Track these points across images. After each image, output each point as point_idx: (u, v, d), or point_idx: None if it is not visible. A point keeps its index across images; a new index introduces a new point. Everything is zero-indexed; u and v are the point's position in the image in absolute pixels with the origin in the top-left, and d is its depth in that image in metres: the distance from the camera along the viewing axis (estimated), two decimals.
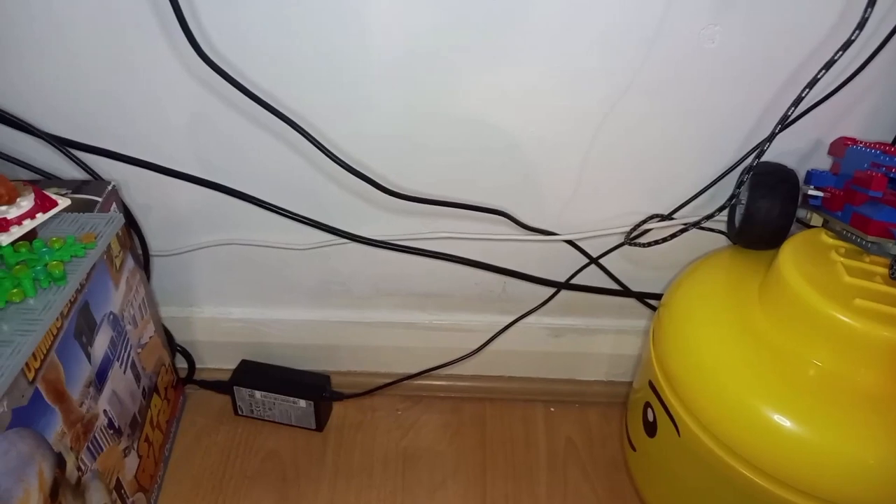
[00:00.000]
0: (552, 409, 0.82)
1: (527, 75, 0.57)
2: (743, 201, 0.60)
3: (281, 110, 0.57)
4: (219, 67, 0.54)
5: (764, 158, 0.59)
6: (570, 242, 0.70)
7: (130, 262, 0.63)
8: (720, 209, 0.62)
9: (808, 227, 0.59)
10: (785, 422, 0.49)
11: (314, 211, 0.67)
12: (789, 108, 0.55)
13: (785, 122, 0.56)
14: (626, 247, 0.69)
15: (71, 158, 0.62)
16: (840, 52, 0.52)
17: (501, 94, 0.58)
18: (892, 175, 0.51)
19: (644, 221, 0.66)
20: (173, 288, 0.77)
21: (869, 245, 0.51)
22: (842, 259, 0.53)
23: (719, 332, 0.56)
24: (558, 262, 0.72)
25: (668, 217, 0.66)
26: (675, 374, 0.57)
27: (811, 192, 0.58)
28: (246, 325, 0.80)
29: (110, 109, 0.61)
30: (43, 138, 0.61)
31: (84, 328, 0.54)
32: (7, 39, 0.56)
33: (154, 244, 0.71)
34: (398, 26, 0.54)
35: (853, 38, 0.51)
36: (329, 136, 0.61)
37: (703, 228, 0.65)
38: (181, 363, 0.81)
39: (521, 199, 0.67)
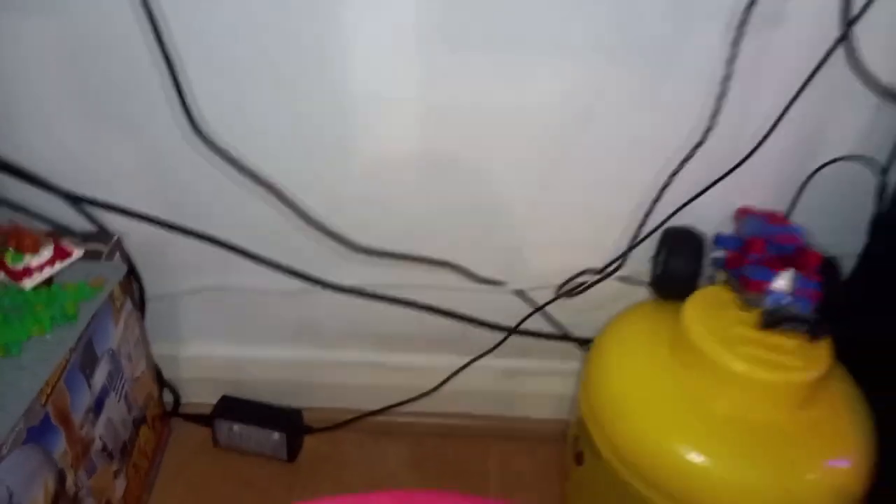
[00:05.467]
0: (505, 445, 0.91)
1: (470, 159, 0.68)
2: (661, 260, 0.70)
3: (266, 179, 0.68)
4: (214, 145, 0.65)
5: (689, 222, 0.70)
6: (518, 292, 0.80)
7: (129, 305, 0.72)
8: (616, 267, 0.75)
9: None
10: (692, 454, 0.57)
11: (292, 260, 0.77)
12: (660, 191, 0.68)
13: (655, 201, 0.70)
14: (576, 290, 0.79)
15: (82, 213, 0.72)
16: (695, 149, 0.65)
17: (449, 170, 0.70)
18: (771, 241, 0.61)
19: (576, 276, 0.76)
20: (163, 328, 0.85)
21: (749, 300, 0.61)
22: (736, 312, 0.63)
23: (636, 375, 0.65)
24: (511, 308, 0.82)
25: (602, 271, 0.77)
26: (598, 412, 0.66)
27: (715, 254, 0.68)
28: (227, 362, 0.88)
29: (117, 169, 0.71)
30: (58, 194, 0.71)
31: (87, 361, 0.62)
32: (26, 105, 0.66)
33: (149, 288, 0.80)
34: (372, 112, 0.66)
35: (702, 140, 0.64)
36: (306, 199, 0.71)
37: (630, 283, 0.76)
38: (168, 397, 0.89)
39: (478, 254, 0.77)
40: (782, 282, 0.58)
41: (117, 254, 0.69)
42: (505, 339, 0.83)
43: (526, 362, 0.88)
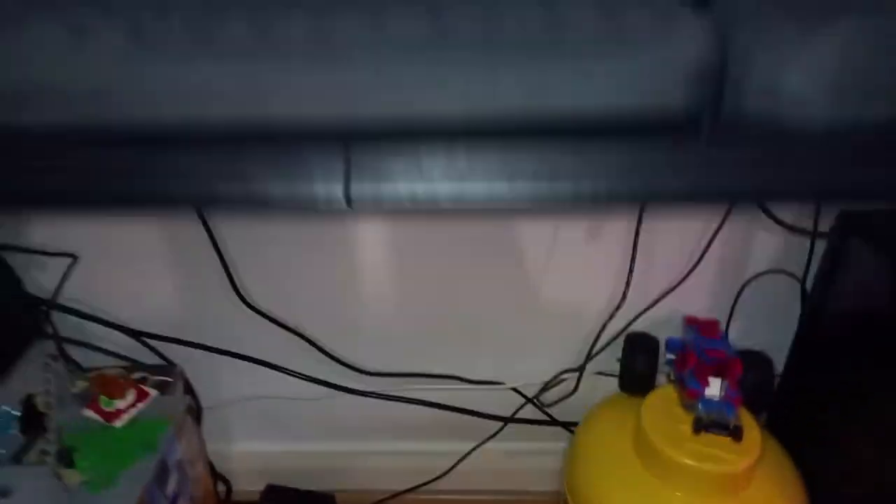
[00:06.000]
0: None
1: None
2: (624, 361, 0.84)
3: (294, 327, 0.87)
4: (255, 308, 0.84)
5: (648, 326, 0.85)
6: (514, 389, 0.95)
7: (190, 421, 0.88)
8: (583, 368, 0.89)
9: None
10: None
11: (318, 373, 0.93)
12: (612, 313, 0.85)
13: (610, 318, 0.84)
14: (561, 385, 0.93)
15: (149, 348, 0.89)
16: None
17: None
18: (702, 353, 0.75)
19: (559, 374, 0.91)
20: (215, 430, 1.01)
21: (686, 405, 0.74)
22: (682, 411, 0.76)
23: (606, 465, 0.78)
24: (508, 401, 0.96)
25: (578, 370, 0.91)
26: (577, 496, 0.80)
27: (667, 356, 0.82)
28: (270, 455, 1.04)
29: (173, 312, 0.88)
30: (128, 333, 0.88)
31: (162, 476, 0.78)
32: (101, 261, 0.84)
33: (203, 401, 0.96)
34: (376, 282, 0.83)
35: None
36: (328, 342, 0.90)
37: (604, 376, 0.90)
38: (220, 487, 1.04)
39: (476, 363, 0.93)
40: (712, 390, 0.71)
41: (181, 382, 0.86)
42: (503, 427, 0.97)
43: (524, 444, 1.01)
